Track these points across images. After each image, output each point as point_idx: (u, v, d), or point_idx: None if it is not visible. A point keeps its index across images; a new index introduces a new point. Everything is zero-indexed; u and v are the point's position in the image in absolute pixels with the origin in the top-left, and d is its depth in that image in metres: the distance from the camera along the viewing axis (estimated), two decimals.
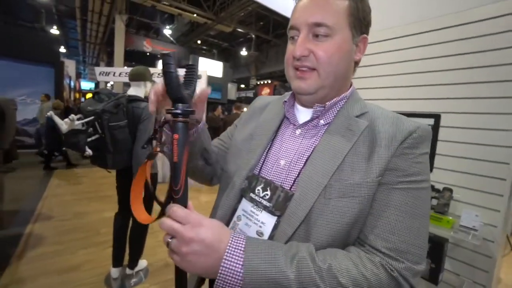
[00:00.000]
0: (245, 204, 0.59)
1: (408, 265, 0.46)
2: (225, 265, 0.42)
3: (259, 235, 0.54)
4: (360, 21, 0.55)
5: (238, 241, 0.44)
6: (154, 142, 0.51)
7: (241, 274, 0.42)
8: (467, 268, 1.23)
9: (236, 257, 0.43)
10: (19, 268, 2.18)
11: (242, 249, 0.43)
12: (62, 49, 14.84)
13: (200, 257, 0.42)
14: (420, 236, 0.48)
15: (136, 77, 1.96)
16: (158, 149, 0.50)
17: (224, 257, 0.42)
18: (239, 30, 12.36)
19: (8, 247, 2.47)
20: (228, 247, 0.43)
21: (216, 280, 0.42)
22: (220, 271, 0.42)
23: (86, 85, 14.92)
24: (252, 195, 0.57)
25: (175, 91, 0.45)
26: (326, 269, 0.43)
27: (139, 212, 0.51)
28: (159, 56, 13.37)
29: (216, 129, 5.81)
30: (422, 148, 0.51)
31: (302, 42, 0.53)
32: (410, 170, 0.49)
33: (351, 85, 0.61)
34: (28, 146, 6.80)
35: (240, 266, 0.42)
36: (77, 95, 13.10)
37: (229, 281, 0.42)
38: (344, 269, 0.44)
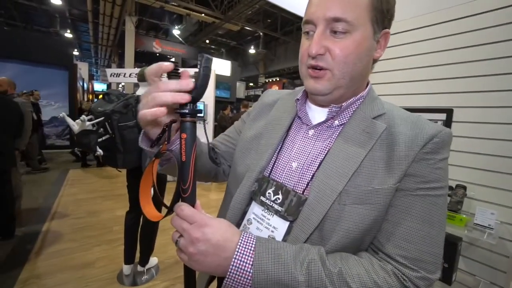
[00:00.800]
0: (255, 208, 0.57)
1: (423, 275, 0.44)
2: (234, 264, 0.42)
3: None
4: (383, 15, 0.49)
5: (249, 241, 0.44)
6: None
7: (250, 274, 0.42)
8: (483, 268, 1.19)
9: (246, 257, 0.42)
10: (37, 264, 2.28)
11: (252, 249, 0.43)
12: (76, 52, 15.26)
13: (207, 256, 0.41)
14: (436, 244, 0.46)
15: (144, 78, 1.99)
16: (166, 148, 0.49)
17: (234, 256, 0.42)
18: (247, 28, 12.34)
19: (27, 243, 2.58)
20: (238, 247, 0.43)
21: (226, 279, 0.42)
22: (229, 270, 0.42)
23: (99, 86, 15.27)
24: (262, 198, 0.55)
25: (201, 95, 0.45)
26: (337, 274, 0.42)
27: (148, 209, 0.51)
28: (168, 57, 13.50)
29: (225, 128, 5.84)
30: (442, 154, 0.48)
31: (319, 39, 0.48)
32: (430, 177, 0.47)
33: (368, 83, 0.58)
34: (45, 147, 7.04)
35: (249, 266, 0.42)
36: (90, 97, 13.44)
37: (238, 281, 0.42)
38: (355, 274, 0.43)
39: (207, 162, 0.65)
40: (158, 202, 0.54)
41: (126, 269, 2.12)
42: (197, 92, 0.44)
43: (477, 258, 1.20)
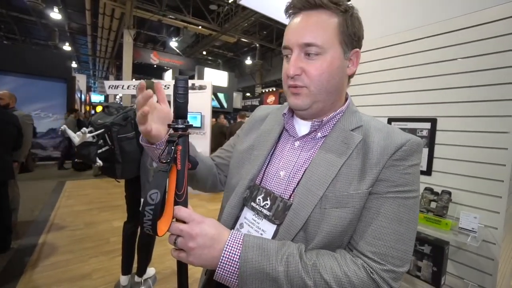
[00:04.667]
0: (246, 213, 0.62)
1: (389, 268, 0.49)
2: (225, 254, 0.47)
3: None
4: (350, 37, 0.57)
5: (237, 235, 0.50)
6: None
7: (238, 264, 0.47)
8: (470, 271, 1.23)
9: (235, 248, 0.48)
10: (33, 276, 2.26)
11: (240, 242, 0.49)
12: (74, 65, 15.41)
13: (204, 249, 0.47)
14: (403, 241, 0.51)
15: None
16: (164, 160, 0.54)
17: (225, 248, 0.48)
18: (243, 40, 12.61)
19: (23, 256, 2.57)
20: (228, 240, 0.49)
21: (217, 269, 0.47)
22: (220, 260, 0.47)
23: (96, 98, 15.36)
24: (253, 204, 0.61)
25: (184, 111, 0.51)
26: (311, 265, 0.47)
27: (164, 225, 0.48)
28: (166, 68, 13.71)
29: (222, 138, 5.90)
30: (411, 160, 0.54)
31: (295, 61, 0.55)
32: (399, 181, 0.52)
33: (347, 98, 0.64)
34: (42, 159, 7.04)
35: (237, 257, 0.47)
36: (87, 108, 13.48)
37: (227, 270, 0.47)
38: (328, 267, 0.48)
39: (203, 168, 0.71)
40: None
41: (124, 279, 2.12)
42: (177, 110, 0.50)
43: (465, 261, 1.24)
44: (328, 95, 0.58)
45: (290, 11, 0.59)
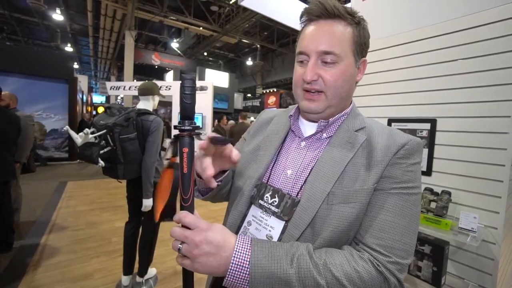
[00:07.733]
0: (254, 210, 0.63)
1: (394, 260, 0.51)
2: (234, 261, 0.47)
3: (268, 238, 0.59)
4: (361, 47, 0.61)
5: (245, 240, 0.50)
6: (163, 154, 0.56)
7: (248, 270, 0.47)
8: (471, 271, 1.23)
9: (244, 254, 0.48)
10: (35, 276, 2.28)
11: (249, 247, 0.49)
12: (76, 65, 15.48)
13: (210, 257, 0.46)
14: (407, 234, 0.53)
15: (144, 92, 2.08)
16: (176, 160, 0.54)
17: (234, 254, 0.47)
18: (244, 41, 12.64)
19: (26, 256, 2.58)
20: (236, 246, 0.48)
21: (227, 276, 0.47)
22: (230, 267, 0.47)
23: (98, 99, 15.41)
24: (261, 201, 0.62)
25: (191, 112, 0.51)
26: (322, 264, 0.48)
27: (157, 211, 0.55)
28: (167, 69, 13.75)
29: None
30: (413, 159, 0.57)
31: (312, 67, 0.58)
32: (402, 178, 0.55)
33: (351, 102, 0.67)
34: (43, 159, 7.07)
35: (247, 263, 0.47)
36: (89, 109, 13.53)
37: (238, 276, 0.47)
38: (338, 264, 0.49)
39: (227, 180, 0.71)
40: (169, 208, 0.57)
41: (125, 280, 2.13)
42: (184, 112, 0.50)
43: (465, 261, 1.24)
44: (341, 101, 0.61)
45: (306, 17, 0.62)
